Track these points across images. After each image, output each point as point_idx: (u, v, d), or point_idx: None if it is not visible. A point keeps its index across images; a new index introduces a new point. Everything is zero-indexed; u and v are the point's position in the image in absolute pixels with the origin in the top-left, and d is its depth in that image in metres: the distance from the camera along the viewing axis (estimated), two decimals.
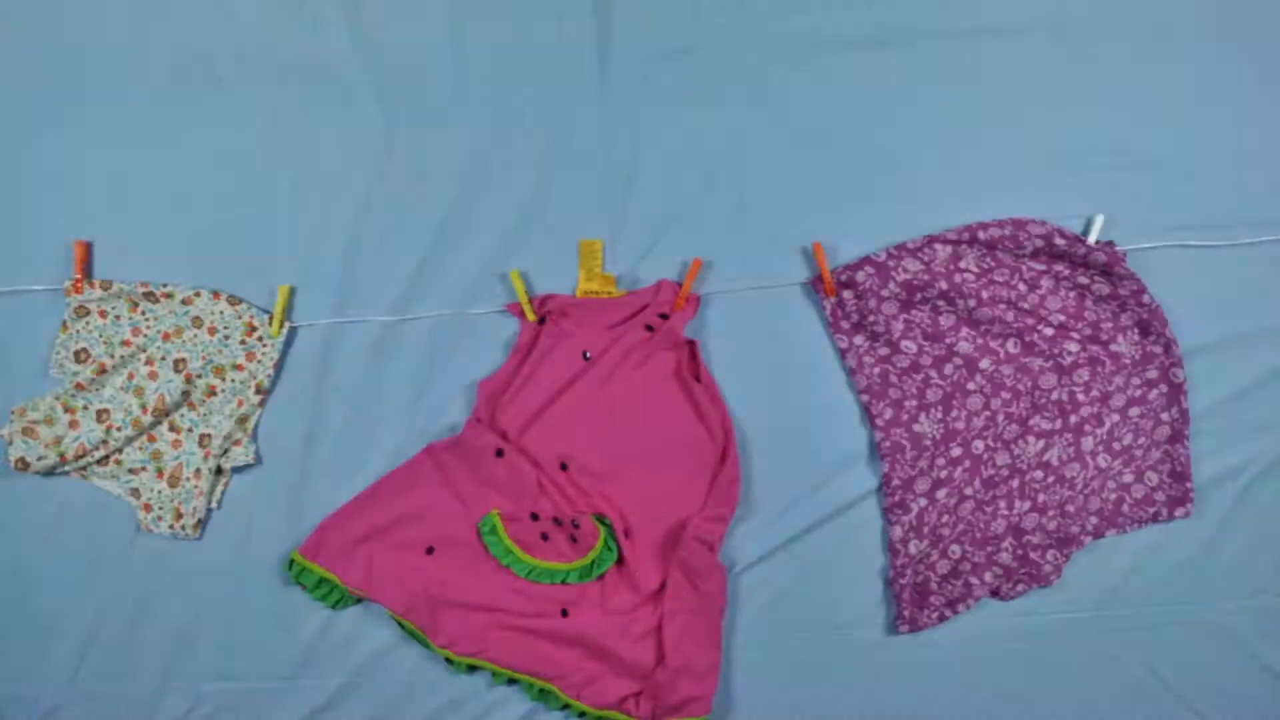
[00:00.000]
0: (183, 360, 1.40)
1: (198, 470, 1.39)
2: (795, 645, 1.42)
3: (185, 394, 1.40)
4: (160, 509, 1.39)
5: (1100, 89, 1.45)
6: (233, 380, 1.40)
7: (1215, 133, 1.45)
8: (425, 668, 1.42)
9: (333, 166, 1.45)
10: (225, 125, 1.45)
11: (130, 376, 1.40)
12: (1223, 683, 1.42)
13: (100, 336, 1.40)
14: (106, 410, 1.39)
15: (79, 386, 1.39)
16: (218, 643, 1.43)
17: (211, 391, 1.40)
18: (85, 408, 1.39)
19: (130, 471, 1.40)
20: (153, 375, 1.40)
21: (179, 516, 1.39)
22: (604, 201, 1.45)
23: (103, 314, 1.40)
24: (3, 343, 1.43)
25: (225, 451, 1.40)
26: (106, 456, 1.39)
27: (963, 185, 1.44)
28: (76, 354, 1.39)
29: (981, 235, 1.39)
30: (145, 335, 1.40)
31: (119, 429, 1.38)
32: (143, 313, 1.41)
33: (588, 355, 1.40)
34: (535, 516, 1.38)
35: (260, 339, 1.41)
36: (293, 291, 1.43)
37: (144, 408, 1.39)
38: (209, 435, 1.40)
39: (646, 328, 1.40)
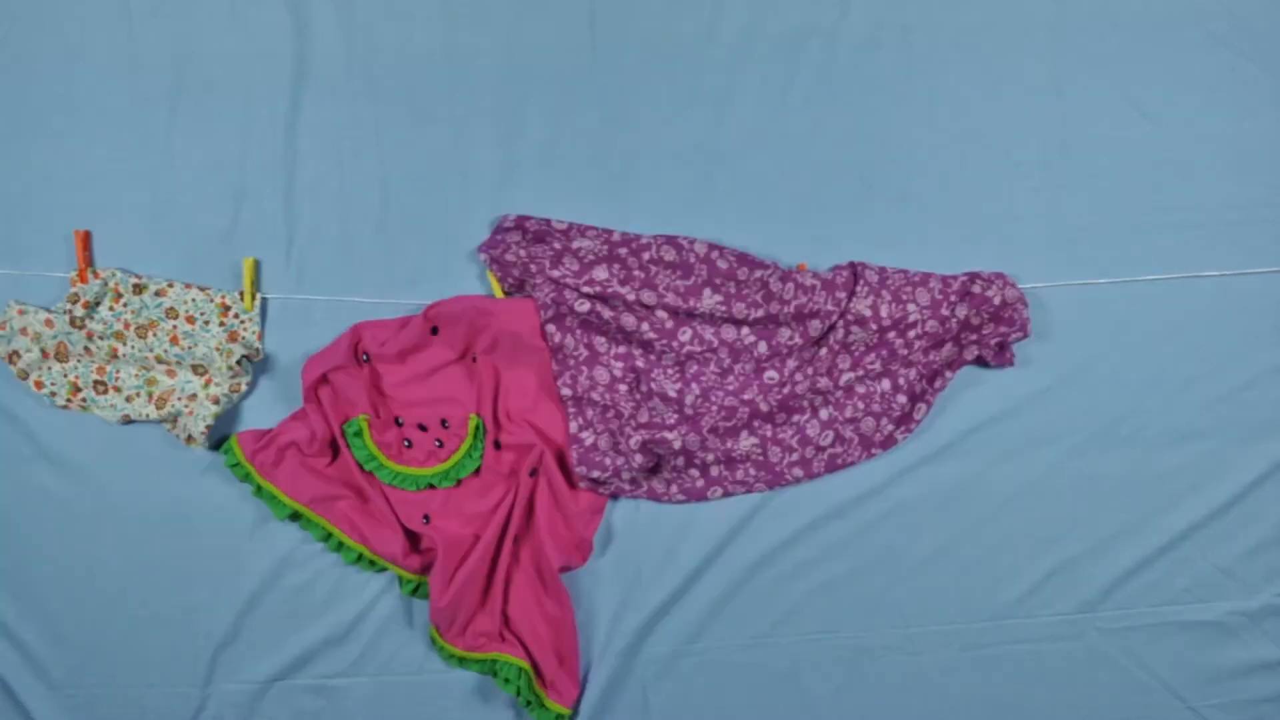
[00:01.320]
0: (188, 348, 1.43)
1: (193, 395, 1.41)
2: (789, 650, 1.43)
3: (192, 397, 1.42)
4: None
5: (1098, 88, 1.45)
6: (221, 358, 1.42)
7: (1213, 133, 1.45)
8: (431, 665, 1.43)
9: (325, 169, 1.44)
10: (218, 128, 1.44)
11: (142, 370, 1.42)
12: (1222, 683, 1.43)
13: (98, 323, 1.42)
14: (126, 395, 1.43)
15: (100, 371, 1.42)
16: (221, 643, 1.43)
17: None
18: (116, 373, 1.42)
19: (126, 399, 1.42)
20: (170, 373, 1.42)
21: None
22: (600, 203, 1.44)
23: (85, 305, 1.41)
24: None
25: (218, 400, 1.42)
26: (104, 384, 1.42)
27: (959, 188, 1.45)
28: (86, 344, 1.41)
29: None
30: (131, 329, 1.42)
31: (134, 397, 1.42)
32: (125, 304, 1.42)
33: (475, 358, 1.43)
34: (399, 421, 1.41)
35: (236, 315, 1.42)
36: (258, 265, 1.43)
37: (151, 396, 1.42)
38: (203, 367, 1.42)
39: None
